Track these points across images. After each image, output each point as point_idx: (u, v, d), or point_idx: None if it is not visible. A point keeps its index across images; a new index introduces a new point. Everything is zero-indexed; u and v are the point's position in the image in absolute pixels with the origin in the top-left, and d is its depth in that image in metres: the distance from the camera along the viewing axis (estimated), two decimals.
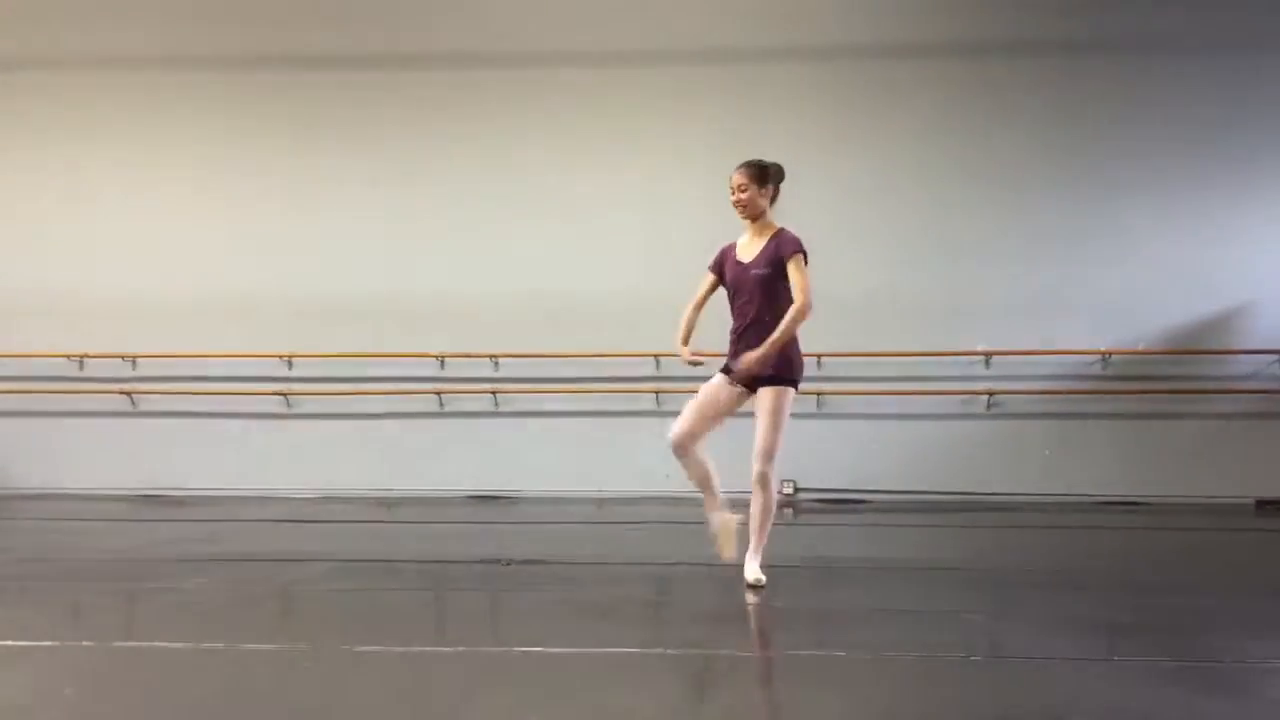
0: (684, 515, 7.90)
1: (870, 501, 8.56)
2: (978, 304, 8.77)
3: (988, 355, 8.72)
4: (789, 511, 8.31)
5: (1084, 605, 4.81)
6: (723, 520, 5.18)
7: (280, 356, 9.05)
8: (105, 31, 9.30)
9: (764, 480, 5.02)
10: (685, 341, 5.33)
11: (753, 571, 5.04)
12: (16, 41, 9.34)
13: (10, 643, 4.00)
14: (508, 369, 9.00)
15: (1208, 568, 6.03)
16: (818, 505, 8.52)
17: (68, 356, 9.17)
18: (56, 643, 4.03)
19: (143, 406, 9.18)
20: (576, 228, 8.95)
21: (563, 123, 9.05)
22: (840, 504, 8.52)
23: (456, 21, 9.16)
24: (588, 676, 3.62)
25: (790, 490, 8.75)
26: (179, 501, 8.63)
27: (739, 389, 5.09)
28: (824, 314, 8.88)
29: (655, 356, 8.84)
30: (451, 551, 6.35)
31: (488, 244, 9.04)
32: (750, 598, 4.84)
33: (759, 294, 5.02)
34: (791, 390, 5.06)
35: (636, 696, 3.40)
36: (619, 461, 8.83)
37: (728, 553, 5.14)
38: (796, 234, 5.13)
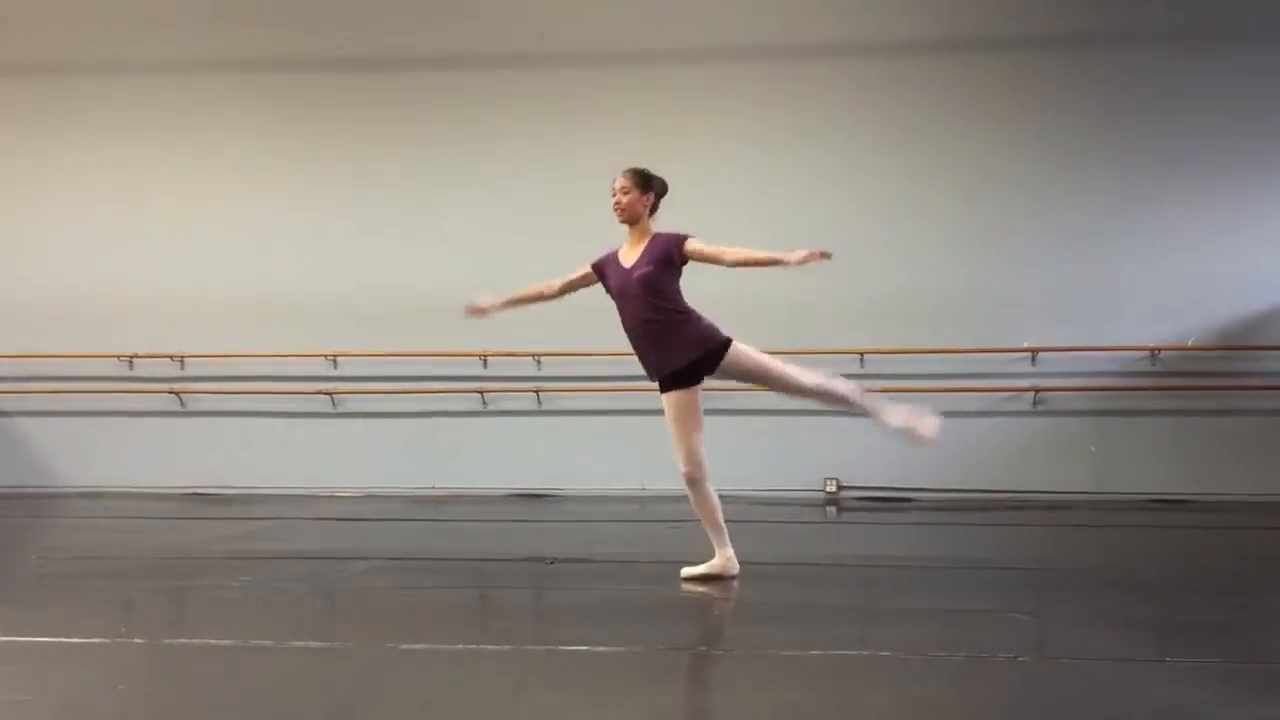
0: (728, 513, 7.86)
1: (915, 500, 8.50)
2: (1024, 300, 8.67)
3: (1034, 352, 8.63)
4: (832, 510, 8.28)
5: (1133, 605, 4.74)
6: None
7: (326, 356, 9.13)
8: (152, 34, 9.41)
9: (691, 481, 5.11)
10: (503, 303, 5.40)
11: (718, 563, 5.13)
12: (65, 47, 9.47)
13: (64, 639, 4.07)
14: (550, 367, 9.01)
15: (1260, 566, 5.93)
16: (861, 503, 8.47)
17: (118, 357, 9.30)
18: (109, 640, 4.09)
19: (190, 406, 9.30)
20: (617, 226, 8.94)
21: (608, 121, 9.05)
22: (884, 502, 8.47)
23: (497, 19, 9.19)
24: (633, 675, 3.62)
25: (833, 488, 8.70)
26: (226, 500, 8.72)
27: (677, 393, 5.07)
28: (867, 310, 8.93)
29: None
30: (495, 549, 6.38)
31: (529, 243, 9.06)
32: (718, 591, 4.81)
33: (643, 294, 4.97)
34: (689, 393, 5.03)
35: (682, 696, 3.39)
36: (662, 459, 8.79)
37: None
38: None
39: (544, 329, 8.96)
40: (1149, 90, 8.70)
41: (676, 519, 7.60)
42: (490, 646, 3.99)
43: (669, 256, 4.98)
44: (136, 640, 4.13)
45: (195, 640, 4.12)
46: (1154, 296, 8.57)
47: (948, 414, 8.65)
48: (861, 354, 8.68)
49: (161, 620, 4.65)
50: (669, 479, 8.72)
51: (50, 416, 9.35)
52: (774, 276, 8.82)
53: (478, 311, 5.45)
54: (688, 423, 5.03)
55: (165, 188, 9.36)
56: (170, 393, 9.26)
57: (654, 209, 5.22)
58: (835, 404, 5.21)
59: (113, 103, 9.42)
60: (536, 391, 9.00)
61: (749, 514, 7.89)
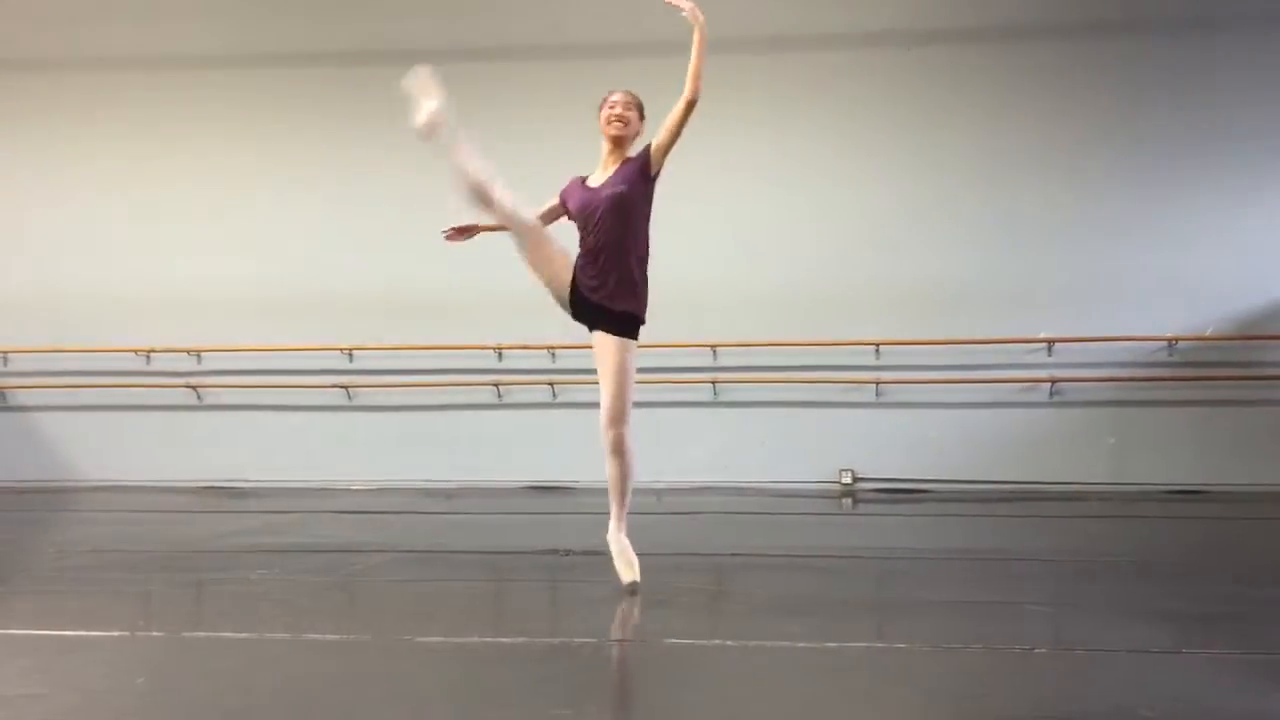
0: (743, 505, 7.89)
1: (930, 491, 8.48)
2: (1040, 290, 8.64)
3: (1051, 343, 8.59)
4: (848, 501, 8.26)
5: (1150, 596, 4.72)
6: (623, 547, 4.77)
7: (341, 350, 9.15)
8: (173, 26, 9.44)
9: (619, 444, 4.65)
10: (478, 227, 4.96)
11: (617, 543, 4.71)
12: (82, 41, 9.50)
13: (82, 633, 4.09)
14: (565, 360, 9.01)
15: (1278, 558, 5.90)
16: (877, 495, 8.45)
17: (135, 351, 9.35)
18: (127, 632, 4.11)
19: (207, 400, 9.34)
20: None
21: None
22: (900, 494, 8.45)
23: (511, 11, 9.19)
24: (646, 668, 3.62)
25: (849, 480, 8.69)
26: (242, 493, 8.76)
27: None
28: (882, 302, 8.90)
29: (712, 347, 8.82)
30: (510, 542, 6.39)
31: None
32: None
33: (610, 216, 4.60)
34: (634, 344, 4.71)
35: (696, 689, 3.39)
36: (677, 452, 8.83)
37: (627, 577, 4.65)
38: None
39: (559, 321, 8.96)
40: (1168, 78, 8.64)
41: (693, 510, 7.60)
42: (505, 639, 3.99)
43: (642, 169, 4.64)
44: (155, 633, 4.16)
45: (213, 633, 4.14)
46: (1172, 286, 8.52)
47: (964, 405, 8.72)
48: (877, 345, 8.66)
49: (179, 613, 4.67)
50: (685, 471, 8.79)
51: (69, 411, 9.40)
52: (792, 272, 8.85)
53: (461, 232, 5.09)
54: (631, 373, 4.68)
55: (182, 182, 9.39)
56: (187, 387, 9.30)
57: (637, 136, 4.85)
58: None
59: (133, 98, 9.45)
60: (551, 384, 9.01)
61: (764, 506, 7.90)
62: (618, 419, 4.64)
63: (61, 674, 3.58)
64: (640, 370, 8.77)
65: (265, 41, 9.36)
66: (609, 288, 4.67)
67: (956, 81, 8.82)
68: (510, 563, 5.75)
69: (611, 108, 4.76)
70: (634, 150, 4.83)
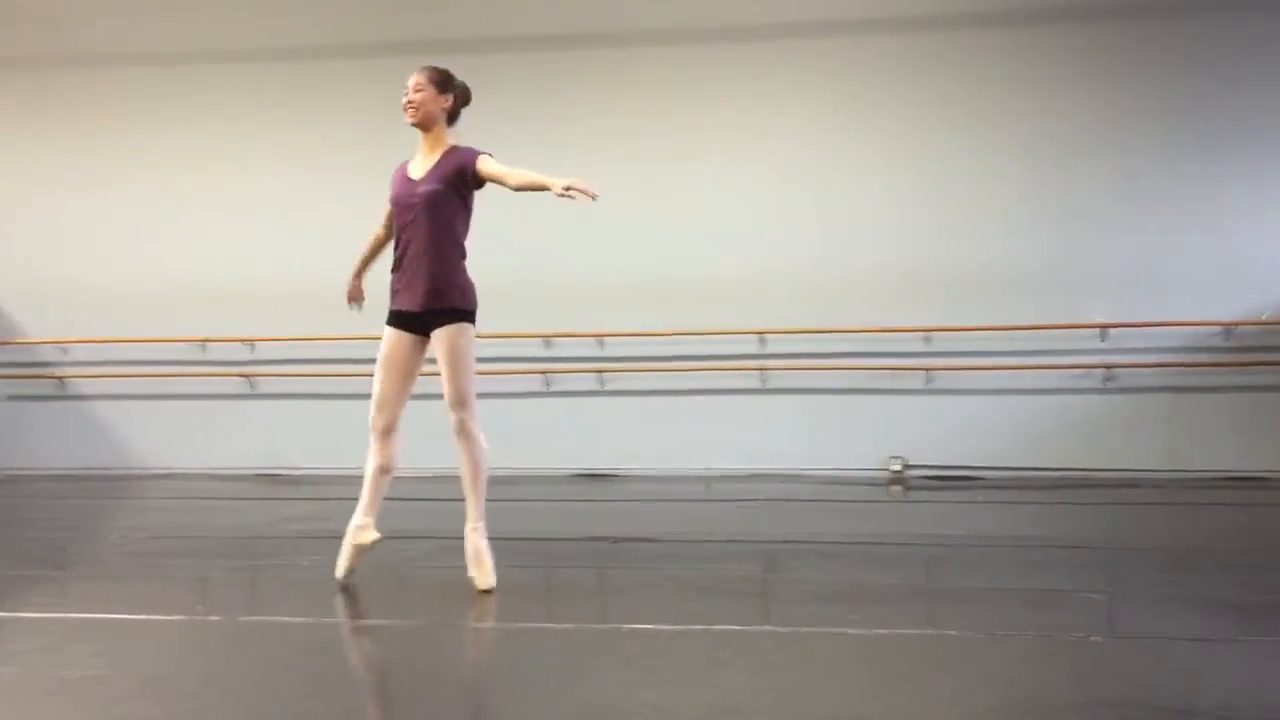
0: (793, 493, 7.88)
1: (982, 479, 8.40)
2: (1094, 275, 8.51)
3: (1105, 328, 8.47)
4: (898, 489, 8.22)
5: (1207, 584, 4.66)
6: (361, 534, 4.69)
7: None
8: (230, 19, 9.55)
9: (465, 429, 4.55)
10: (358, 275, 4.84)
11: (474, 545, 4.57)
12: (143, 38, 9.63)
13: (143, 616, 4.18)
14: (612, 347, 9.03)
15: None
16: (928, 482, 8.39)
17: (190, 340, 9.50)
18: (186, 617, 4.19)
19: (260, 389, 9.46)
20: (682, 204, 8.93)
21: (676, 100, 9.01)
22: (951, 481, 8.38)
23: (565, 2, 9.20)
24: (697, 655, 3.63)
25: (899, 467, 8.63)
26: (295, 481, 8.88)
27: (416, 337, 4.57)
28: (933, 287, 8.83)
29: (759, 334, 8.79)
30: (558, 529, 6.42)
31: (593, 222, 9.06)
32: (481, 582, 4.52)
33: (425, 216, 4.44)
34: (470, 327, 4.59)
35: (747, 676, 3.40)
36: (725, 439, 8.82)
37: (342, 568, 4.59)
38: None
39: (606, 308, 8.99)
40: (1227, 58, 8.46)
41: (742, 498, 7.60)
42: (555, 625, 4.02)
43: (462, 174, 4.46)
44: (213, 617, 4.23)
45: (269, 617, 4.21)
46: (1228, 270, 8.36)
47: (1017, 391, 8.64)
48: (928, 332, 8.59)
49: (236, 598, 4.75)
50: (733, 459, 8.79)
51: (128, 400, 9.56)
52: (838, 255, 8.81)
53: (355, 294, 5.00)
54: (470, 361, 4.58)
55: (229, 175, 9.50)
56: (241, 375, 9.43)
57: (454, 116, 4.64)
58: (376, 495, 4.76)
59: (191, 92, 9.55)
60: (599, 372, 9.03)
61: (813, 493, 7.88)
62: (459, 402, 4.54)
63: (123, 657, 3.66)
64: (687, 358, 8.86)
65: (338, 33, 9.41)
66: (422, 286, 4.51)
67: (1010, 64, 8.70)
68: (558, 549, 5.78)
69: (405, 93, 4.51)
70: (453, 137, 4.61)
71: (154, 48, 9.61)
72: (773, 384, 8.87)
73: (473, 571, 4.57)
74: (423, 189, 4.43)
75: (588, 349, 9.07)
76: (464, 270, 4.59)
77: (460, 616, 4.10)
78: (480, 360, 9.01)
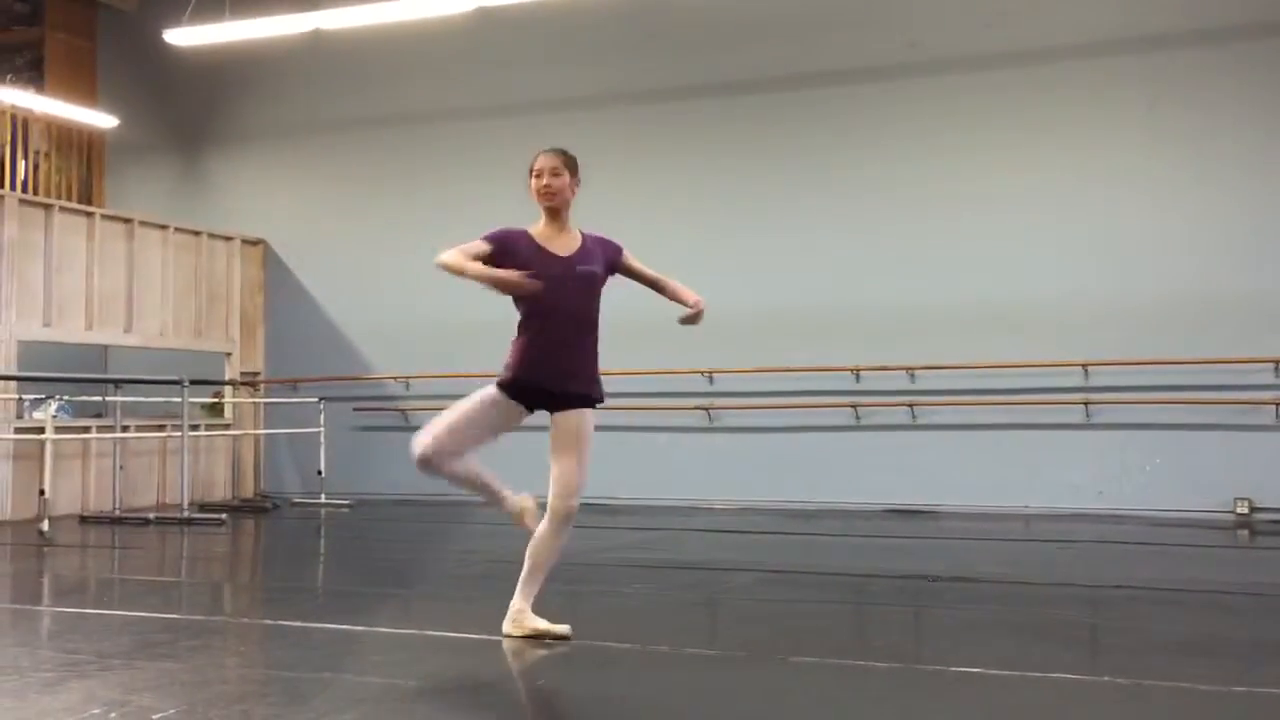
0: (1121, 534, 7.40)
1: None
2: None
3: None
4: (1244, 533, 7.57)
5: None
6: (522, 503, 4.44)
7: (702, 373, 9.43)
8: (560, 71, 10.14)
9: (572, 517, 4.28)
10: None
11: (520, 619, 4.32)
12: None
13: (471, 636, 4.42)
14: (924, 381, 8.84)
15: None
16: (1278, 527, 7.67)
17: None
18: (492, 636, 4.41)
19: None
20: (989, 232, 8.66)
21: (973, 124, 8.80)
22: None
23: (865, 32, 9.18)
24: (1034, 702, 3.48)
25: (1245, 510, 7.94)
26: (612, 510, 9.18)
27: (520, 409, 4.30)
28: (1088, 319, 8.13)
29: (1084, 366, 8.36)
30: (873, 565, 6.32)
31: (904, 252, 8.94)
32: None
33: (584, 297, 4.29)
34: (593, 413, 4.34)
35: None
36: (1045, 475, 8.43)
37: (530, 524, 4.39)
38: None
39: (917, 342, 8.83)
40: None
41: (1064, 539, 7.23)
42: (879, 664, 3.96)
43: (611, 264, 4.41)
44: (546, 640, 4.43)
45: (595, 642, 4.36)
46: None
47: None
48: (1085, 366, 7.97)
49: (561, 622, 4.96)
50: (1054, 497, 8.37)
51: None
52: (1169, 282, 8.24)
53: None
54: (591, 444, 4.34)
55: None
56: None
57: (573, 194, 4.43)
58: (491, 491, 4.46)
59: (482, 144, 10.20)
60: (911, 405, 8.86)
61: (1145, 535, 7.40)
62: (579, 492, 4.30)
63: (436, 670, 3.92)
64: (1005, 391, 8.54)
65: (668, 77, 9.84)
66: (578, 367, 4.32)
67: (1216, 84, 8.05)
68: (875, 586, 5.70)
69: (539, 177, 4.30)
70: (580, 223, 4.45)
71: (464, 106, 10.32)
72: (1097, 419, 8.40)
73: (544, 625, 4.37)
74: (583, 269, 4.32)
75: (899, 382, 8.93)
76: (596, 355, 4.44)
77: (780, 651, 4.13)
78: (789, 394, 9.17)
